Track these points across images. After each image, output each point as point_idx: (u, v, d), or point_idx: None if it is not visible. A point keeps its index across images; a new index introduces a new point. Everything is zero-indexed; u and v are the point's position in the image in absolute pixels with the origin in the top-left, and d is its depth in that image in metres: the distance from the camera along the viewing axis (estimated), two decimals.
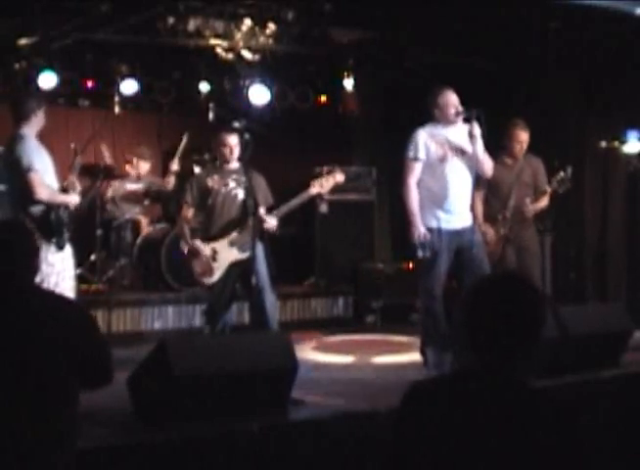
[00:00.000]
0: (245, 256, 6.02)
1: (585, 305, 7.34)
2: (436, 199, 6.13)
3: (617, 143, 8.16)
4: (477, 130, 6.03)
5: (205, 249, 6.07)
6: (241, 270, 6.05)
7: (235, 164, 6.23)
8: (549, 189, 6.83)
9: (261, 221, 6.02)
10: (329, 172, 6.46)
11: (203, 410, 4.27)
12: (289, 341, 4.78)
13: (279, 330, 6.04)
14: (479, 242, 6.18)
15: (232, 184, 6.16)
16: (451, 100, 6.10)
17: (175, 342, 4.83)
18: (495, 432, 2.18)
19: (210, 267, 6.07)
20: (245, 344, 4.69)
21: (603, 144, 8.25)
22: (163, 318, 7.68)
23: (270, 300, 6.03)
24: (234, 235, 6.09)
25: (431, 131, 6.20)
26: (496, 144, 6.62)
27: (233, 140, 6.14)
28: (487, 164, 6.27)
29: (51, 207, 5.68)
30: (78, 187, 6.01)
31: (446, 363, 5.74)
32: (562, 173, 6.79)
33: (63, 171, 6.12)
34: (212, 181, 6.18)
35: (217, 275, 6.08)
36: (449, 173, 6.11)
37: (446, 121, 6.12)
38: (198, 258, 6.09)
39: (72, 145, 6.62)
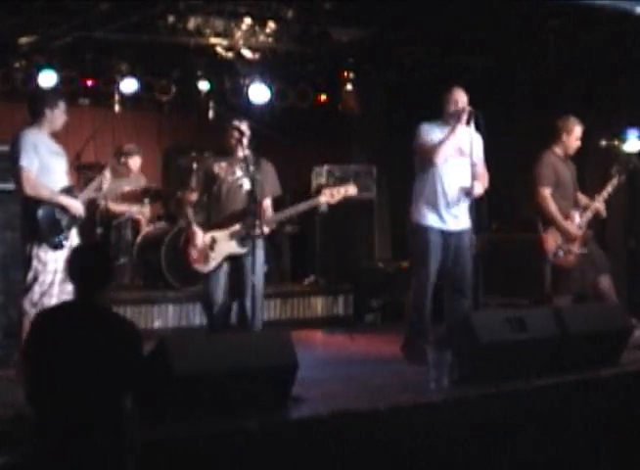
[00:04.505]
0: (243, 250, 5.87)
1: (585, 304, 7.34)
2: (432, 198, 6.14)
3: (616, 142, 8.16)
4: (475, 133, 6.07)
5: (204, 237, 5.95)
6: (235, 265, 5.95)
7: (244, 153, 6.00)
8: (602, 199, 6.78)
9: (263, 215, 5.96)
10: (342, 183, 6.40)
11: (203, 409, 4.27)
12: (289, 339, 4.78)
13: (280, 328, 6.01)
14: (472, 244, 6.16)
15: (239, 173, 5.99)
16: (454, 96, 6.13)
17: (175, 340, 4.82)
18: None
19: (207, 255, 5.94)
20: (245, 342, 4.69)
21: (603, 143, 8.25)
22: (164, 317, 7.67)
23: (259, 298, 5.83)
24: (236, 227, 5.95)
25: (430, 129, 6.21)
26: (495, 144, 6.59)
27: (244, 125, 6.02)
28: (482, 179, 6.23)
29: (40, 204, 5.54)
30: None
31: (446, 360, 5.73)
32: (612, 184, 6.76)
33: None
34: (219, 168, 6.03)
35: (212, 265, 5.92)
36: (445, 173, 6.12)
37: (446, 117, 6.15)
38: (195, 244, 5.99)
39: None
